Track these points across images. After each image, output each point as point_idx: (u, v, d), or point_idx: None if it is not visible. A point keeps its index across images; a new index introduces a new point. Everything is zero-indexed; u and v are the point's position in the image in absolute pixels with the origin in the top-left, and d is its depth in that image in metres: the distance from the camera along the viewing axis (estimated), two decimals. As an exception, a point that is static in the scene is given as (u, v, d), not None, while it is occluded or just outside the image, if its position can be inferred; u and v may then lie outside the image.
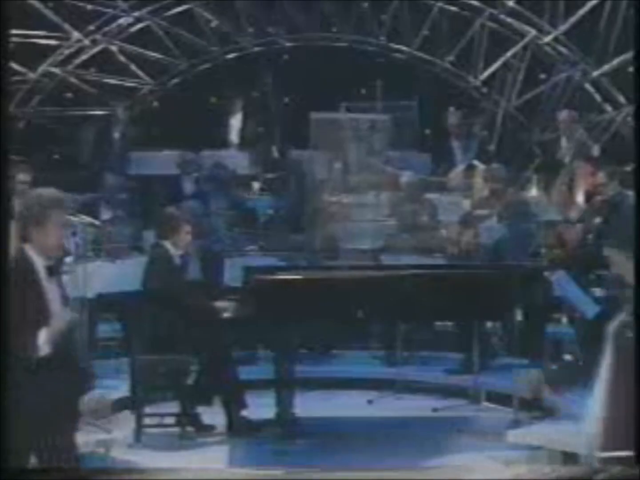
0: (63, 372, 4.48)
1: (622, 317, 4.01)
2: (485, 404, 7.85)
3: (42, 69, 12.47)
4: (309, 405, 7.30)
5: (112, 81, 12.90)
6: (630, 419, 3.88)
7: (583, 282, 6.83)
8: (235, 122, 13.87)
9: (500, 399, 7.55)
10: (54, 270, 4.58)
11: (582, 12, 12.36)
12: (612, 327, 3.97)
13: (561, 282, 6.52)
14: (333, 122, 11.66)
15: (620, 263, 4.11)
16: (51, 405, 4.41)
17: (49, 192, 4.78)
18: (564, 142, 11.35)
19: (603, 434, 3.90)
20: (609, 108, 12.59)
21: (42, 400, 4.38)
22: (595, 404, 4.01)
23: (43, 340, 4.37)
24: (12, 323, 4.29)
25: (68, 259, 7.12)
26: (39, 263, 4.52)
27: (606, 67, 12.43)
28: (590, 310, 6.49)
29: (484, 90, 13.03)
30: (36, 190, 4.90)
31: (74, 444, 4.51)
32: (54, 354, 4.40)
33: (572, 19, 12.42)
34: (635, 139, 9.20)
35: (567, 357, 7.73)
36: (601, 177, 9.70)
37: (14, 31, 11.06)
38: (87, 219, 7.08)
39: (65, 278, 6.54)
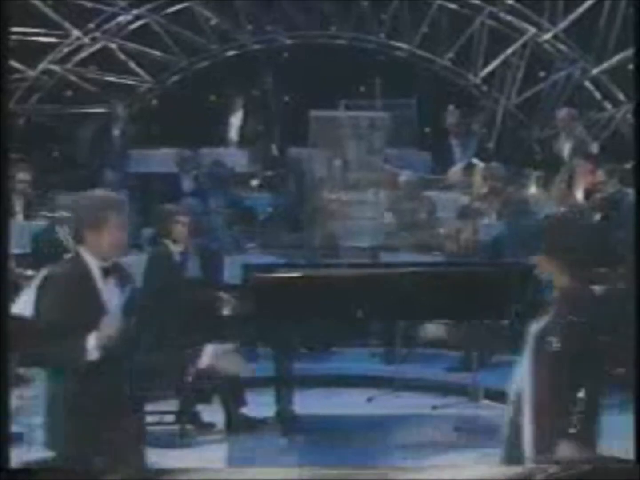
0: (113, 375, 4.47)
1: (544, 321, 3.93)
2: (485, 401, 7.86)
3: (41, 66, 12.50)
4: (309, 403, 7.30)
5: (112, 79, 12.91)
6: (553, 428, 3.79)
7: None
8: (235, 120, 13.86)
9: (500, 396, 7.53)
10: (110, 272, 4.50)
11: (581, 9, 12.38)
12: (533, 331, 3.90)
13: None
14: (332, 120, 11.65)
15: (549, 266, 4.05)
16: (104, 407, 4.42)
17: (103, 193, 4.76)
18: (563, 140, 11.35)
19: (526, 442, 3.79)
20: (608, 106, 12.60)
21: (95, 404, 4.39)
22: (510, 410, 3.93)
23: (94, 344, 4.35)
24: (65, 325, 4.28)
25: (68, 257, 7.09)
26: (94, 265, 4.49)
27: (605, 65, 12.44)
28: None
29: (484, 88, 13.03)
30: (91, 191, 4.81)
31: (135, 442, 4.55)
32: (104, 357, 4.37)
33: (572, 17, 12.43)
34: (635, 137, 9.21)
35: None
36: (600, 174, 9.71)
37: (13, 29, 11.09)
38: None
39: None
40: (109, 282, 4.52)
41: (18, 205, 8.76)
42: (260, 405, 7.15)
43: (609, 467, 3.03)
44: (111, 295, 4.51)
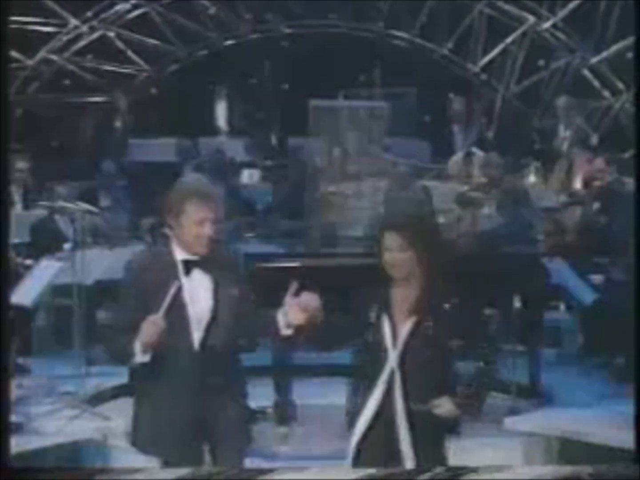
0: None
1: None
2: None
3: (40, 55, 12.47)
4: (308, 393, 7.29)
5: (110, 68, 12.89)
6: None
7: (580, 269, 6.83)
8: (234, 109, 13.86)
9: (498, 385, 7.52)
10: (190, 267, 4.18)
11: (580, -2, 12.37)
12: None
13: (559, 270, 6.53)
14: (332, 110, 11.65)
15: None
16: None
17: (188, 180, 4.44)
18: (562, 129, 11.35)
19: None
20: (607, 94, 12.58)
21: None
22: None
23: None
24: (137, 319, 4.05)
25: (67, 246, 7.10)
26: (177, 257, 4.19)
27: (605, 54, 12.43)
28: (588, 297, 6.50)
29: (483, 77, 13.02)
30: (180, 178, 4.47)
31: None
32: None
33: (571, 5, 12.41)
34: (635, 127, 9.20)
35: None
36: (600, 163, 9.72)
37: (12, 18, 11.06)
38: (85, 206, 7.04)
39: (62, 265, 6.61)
40: (190, 278, 4.20)
41: (17, 194, 8.74)
42: (259, 395, 7.11)
43: (608, 467, 3.02)
44: (192, 291, 4.20)
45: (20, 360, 6.94)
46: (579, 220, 8.87)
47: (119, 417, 5.98)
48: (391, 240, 4.07)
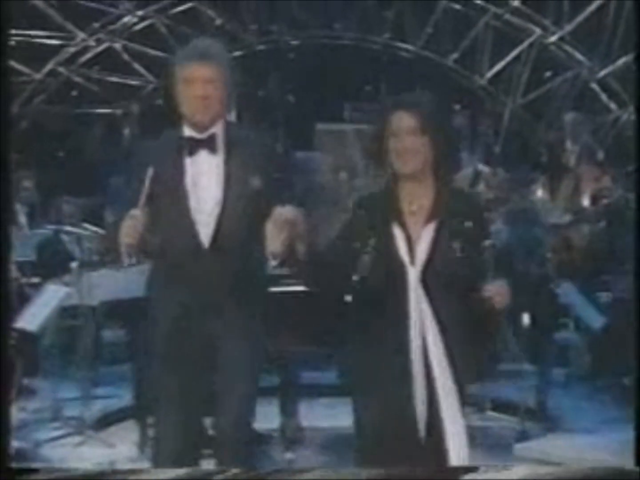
0: None
1: None
2: (490, 413, 7.78)
3: (47, 68, 12.43)
4: (315, 414, 7.24)
5: (117, 80, 12.87)
6: None
7: (589, 292, 6.79)
8: (240, 120, 13.81)
9: (506, 407, 7.46)
10: (194, 146, 3.72)
11: (587, 12, 12.32)
12: None
13: (567, 295, 6.50)
14: (338, 132, 11.61)
15: None
16: None
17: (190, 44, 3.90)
18: (569, 144, 11.31)
19: None
20: (614, 106, 12.55)
21: None
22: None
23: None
24: None
25: (74, 265, 7.07)
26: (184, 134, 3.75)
27: (611, 67, 12.39)
28: (597, 322, 6.47)
29: (490, 89, 12.98)
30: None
31: None
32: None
33: (578, 19, 12.37)
34: (635, 141, 9.17)
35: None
36: (606, 181, 9.70)
37: (17, 31, 11.07)
38: (92, 227, 7.02)
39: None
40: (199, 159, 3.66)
41: (22, 212, 8.72)
42: (264, 416, 7.05)
43: (608, 468, 2.97)
44: (198, 178, 3.66)
45: (26, 381, 6.92)
46: (586, 238, 8.83)
47: (124, 442, 5.97)
48: (403, 122, 3.43)
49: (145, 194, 3.53)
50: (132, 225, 3.49)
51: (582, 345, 7.64)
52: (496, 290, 3.39)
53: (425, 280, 3.40)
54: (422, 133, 3.42)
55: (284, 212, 3.25)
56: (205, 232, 3.66)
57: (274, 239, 3.25)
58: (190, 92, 3.68)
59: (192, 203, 3.65)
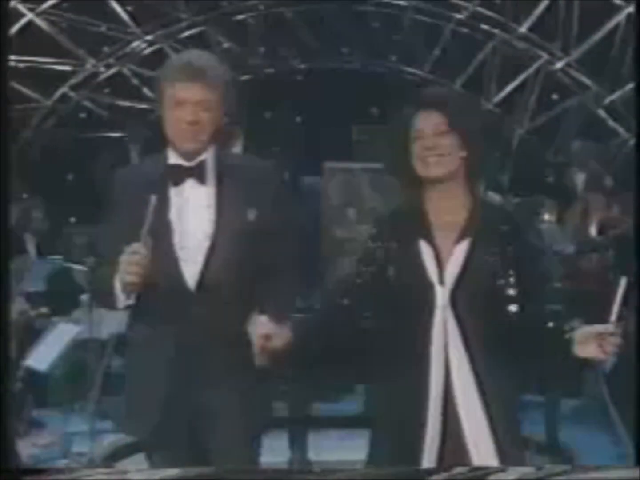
0: None
1: None
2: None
3: (57, 94, 12.44)
4: (325, 447, 7.20)
5: (126, 104, 12.89)
6: None
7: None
8: (249, 143, 13.81)
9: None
10: (180, 175, 3.35)
11: (595, 38, 12.33)
12: None
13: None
14: (347, 171, 11.60)
15: None
16: None
17: (179, 56, 3.55)
18: (577, 172, 11.29)
19: None
20: (621, 131, 12.54)
21: None
22: None
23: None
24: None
25: (83, 297, 7.07)
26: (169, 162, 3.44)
27: (619, 93, 12.39)
28: (607, 362, 6.43)
29: (497, 114, 12.99)
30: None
31: None
32: None
33: (584, 47, 12.37)
34: (635, 147, 9.13)
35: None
36: (615, 210, 9.67)
37: (27, 57, 11.12)
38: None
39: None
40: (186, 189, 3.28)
41: (31, 242, 8.71)
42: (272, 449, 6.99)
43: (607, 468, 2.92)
44: (184, 210, 3.25)
45: (35, 414, 6.92)
46: (595, 268, 8.82)
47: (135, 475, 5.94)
48: (429, 121, 3.07)
49: (147, 226, 3.13)
50: (135, 262, 3.10)
51: (594, 378, 7.61)
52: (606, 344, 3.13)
53: (455, 302, 3.07)
54: (450, 132, 3.06)
55: (261, 324, 3.08)
56: (190, 271, 3.23)
57: (258, 344, 3.09)
58: (177, 116, 3.24)
59: (176, 238, 3.23)
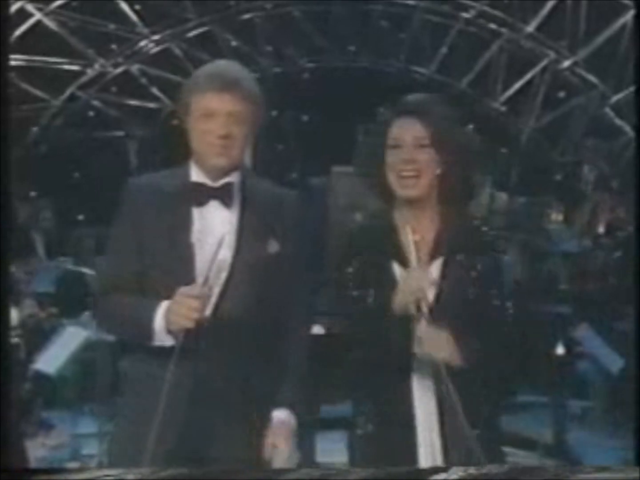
0: None
1: None
2: (507, 448, 7.74)
3: (66, 93, 12.48)
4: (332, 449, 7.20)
5: (134, 103, 12.92)
6: None
7: (607, 333, 6.78)
8: (257, 143, 13.85)
9: (523, 443, 7.41)
10: (205, 195, 3.09)
11: (602, 38, 12.32)
12: None
13: (585, 338, 6.50)
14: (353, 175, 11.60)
15: None
16: None
17: (207, 66, 3.17)
18: (584, 169, 11.30)
19: None
20: (628, 130, 12.54)
21: None
22: None
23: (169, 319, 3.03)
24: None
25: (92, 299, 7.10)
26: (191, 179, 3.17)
27: (626, 92, 12.39)
28: (615, 365, 6.46)
29: (504, 112, 12.99)
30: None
31: None
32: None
33: (592, 45, 12.37)
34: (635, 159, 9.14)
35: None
36: (621, 211, 9.68)
37: (36, 57, 11.15)
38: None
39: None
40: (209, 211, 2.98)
41: (40, 244, 8.74)
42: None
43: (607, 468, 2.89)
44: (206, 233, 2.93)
45: (44, 415, 6.95)
46: (601, 268, 8.84)
47: None
48: (407, 130, 2.84)
49: (213, 267, 2.81)
50: (195, 307, 2.79)
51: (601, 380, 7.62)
52: None
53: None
54: (430, 146, 2.83)
55: (278, 417, 2.94)
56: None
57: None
58: (208, 129, 2.97)
59: (197, 264, 2.93)
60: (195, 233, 2.97)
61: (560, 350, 6.46)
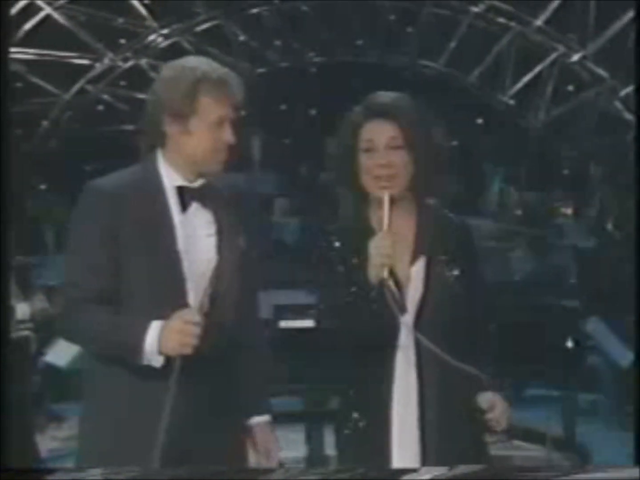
0: None
1: None
2: (516, 442, 7.74)
3: (76, 87, 12.51)
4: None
5: (143, 97, 12.94)
6: None
7: (617, 326, 6.78)
8: (263, 137, 13.86)
9: (534, 437, 7.40)
10: (187, 199, 3.03)
11: (612, 31, 12.30)
12: None
13: (596, 331, 6.50)
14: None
15: None
16: None
17: (194, 63, 3.00)
18: (594, 165, 11.30)
19: None
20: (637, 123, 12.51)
21: None
22: None
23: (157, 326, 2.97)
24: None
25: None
26: (167, 184, 3.03)
27: (634, 85, 12.37)
28: (625, 359, 6.47)
29: (513, 107, 12.98)
30: (177, 61, 3.07)
31: None
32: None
33: (602, 39, 12.35)
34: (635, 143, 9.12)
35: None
36: (631, 204, 9.66)
37: (46, 51, 11.17)
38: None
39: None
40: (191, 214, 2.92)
41: (50, 236, 8.75)
42: (288, 443, 6.96)
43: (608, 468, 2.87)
44: (190, 238, 2.88)
45: (55, 407, 6.97)
46: (610, 262, 8.83)
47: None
48: (380, 132, 2.79)
49: (207, 292, 2.79)
50: (190, 333, 2.74)
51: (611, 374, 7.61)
52: (494, 414, 2.81)
53: (420, 330, 2.77)
54: (404, 147, 2.78)
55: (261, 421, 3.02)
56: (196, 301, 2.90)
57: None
58: (218, 137, 2.93)
59: (185, 270, 2.89)
60: (180, 239, 2.90)
61: (570, 343, 6.45)
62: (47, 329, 6.68)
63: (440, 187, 2.85)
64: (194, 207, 2.93)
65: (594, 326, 6.52)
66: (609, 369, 7.55)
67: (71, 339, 3.05)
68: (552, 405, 7.08)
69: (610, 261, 8.81)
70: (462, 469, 2.59)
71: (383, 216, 2.77)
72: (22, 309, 6.42)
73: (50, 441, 6.07)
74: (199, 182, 2.95)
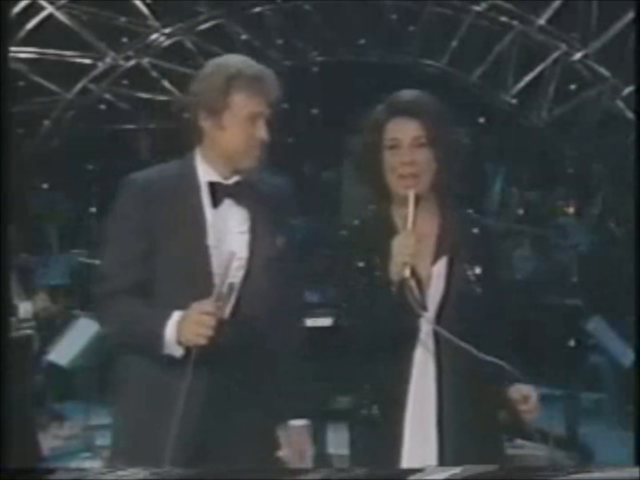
0: None
1: None
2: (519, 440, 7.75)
3: (78, 87, 12.51)
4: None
5: (145, 96, 12.93)
6: None
7: (619, 325, 6.78)
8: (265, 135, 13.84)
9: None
10: (219, 195, 3.13)
11: (614, 30, 12.29)
12: None
13: (598, 330, 6.50)
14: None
15: None
16: None
17: (229, 61, 3.19)
18: (596, 164, 11.28)
19: None
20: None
21: None
22: None
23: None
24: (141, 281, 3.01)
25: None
26: (202, 179, 3.19)
27: (636, 85, 12.36)
28: (626, 358, 6.47)
29: (515, 105, 12.97)
30: (214, 60, 3.29)
31: None
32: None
33: (604, 38, 12.34)
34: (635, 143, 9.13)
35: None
36: (633, 203, 9.65)
37: (47, 50, 11.17)
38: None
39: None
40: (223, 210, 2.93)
41: (54, 236, 8.76)
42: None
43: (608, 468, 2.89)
44: (222, 234, 2.91)
45: (57, 406, 6.98)
46: (613, 261, 8.83)
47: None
48: (405, 131, 2.83)
49: (225, 283, 2.81)
50: (205, 323, 2.78)
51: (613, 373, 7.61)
52: (529, 406, 2.89)
53: (439, 332, 2.79)
54: (428, 145, 2.83)
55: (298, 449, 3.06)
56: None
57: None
58: (251, 133, 3.04)
59: (214, 265, 2.95)
60: (211, 234, 2.96)
61: (572, 342, 6.45)
62: (49, 328, 6.71)
63: (463, 185, 2.91)
64: (227, 203, 3.01)
65: (596, 325, 6.52)
66: (610, 368, 7.56)
67: (105, 328, 3.13)
68: (553, 404, 7.07)
69: (612, 260, 8.80)
70: (463, 469, 2.61)
71: (407, 215, 2.81)
72: (24, 308, 6.42)
73: (52, 440, 6.08)
74: (233, 179, 3.04)
